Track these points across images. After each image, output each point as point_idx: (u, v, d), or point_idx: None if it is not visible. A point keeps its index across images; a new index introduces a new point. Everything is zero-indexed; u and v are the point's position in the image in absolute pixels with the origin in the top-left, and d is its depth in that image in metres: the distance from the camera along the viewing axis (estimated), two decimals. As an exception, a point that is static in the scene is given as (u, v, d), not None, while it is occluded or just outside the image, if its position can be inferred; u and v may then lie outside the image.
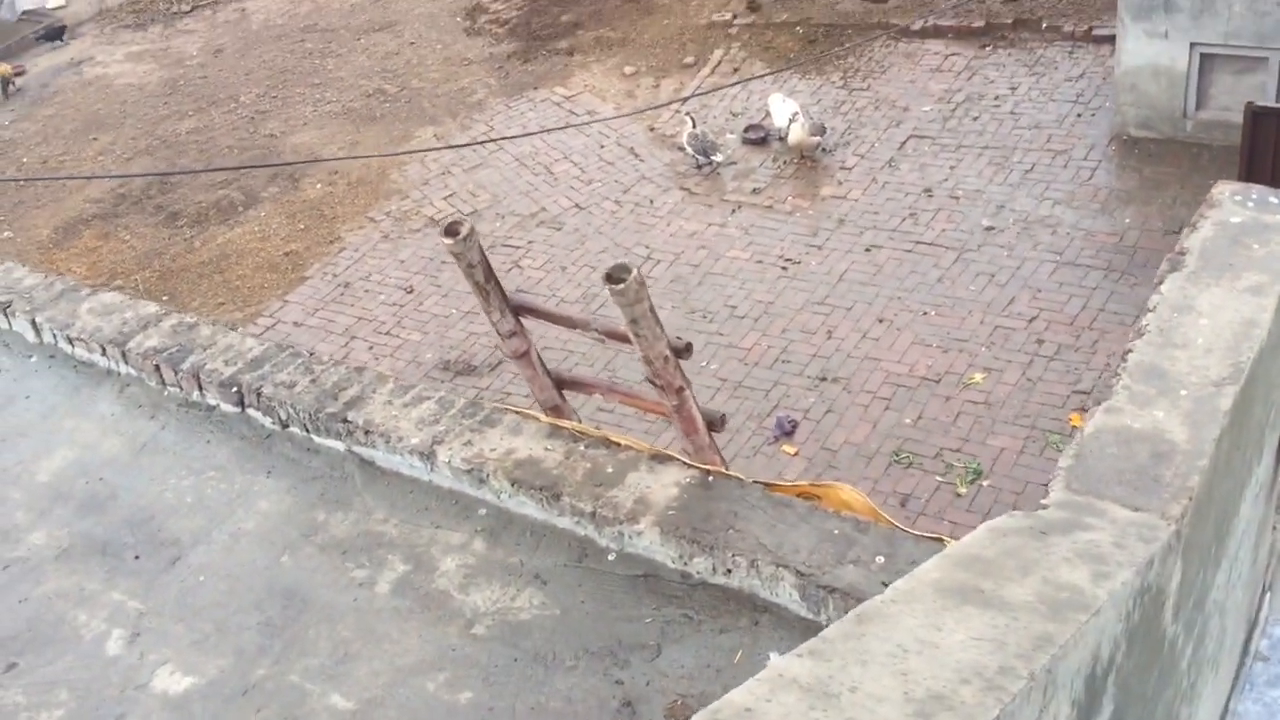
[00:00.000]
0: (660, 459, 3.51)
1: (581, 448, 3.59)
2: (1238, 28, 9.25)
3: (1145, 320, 3.26)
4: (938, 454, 7.64)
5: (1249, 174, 6.42)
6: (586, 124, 11.68)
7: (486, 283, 3.54)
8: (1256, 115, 6.40)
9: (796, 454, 7.79)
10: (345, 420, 3.80)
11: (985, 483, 7.34)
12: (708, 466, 3.46)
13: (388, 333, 9.51)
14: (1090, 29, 11.70)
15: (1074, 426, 7.63)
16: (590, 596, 3.31)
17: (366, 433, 3.76)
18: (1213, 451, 2.80)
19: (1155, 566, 2.51)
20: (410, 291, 9.93)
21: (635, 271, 3.10)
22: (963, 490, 7.30)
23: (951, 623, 1.99)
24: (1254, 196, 3.50)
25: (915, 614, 2.02)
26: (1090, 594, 2.24)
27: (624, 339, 3.36)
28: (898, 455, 7.65)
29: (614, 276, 3.07)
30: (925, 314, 8.88)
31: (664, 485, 3.43)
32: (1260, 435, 3.42)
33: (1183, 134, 9.89)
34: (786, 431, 7.96)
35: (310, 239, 10.74)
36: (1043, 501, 2.72)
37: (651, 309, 3.20)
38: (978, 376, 8.18)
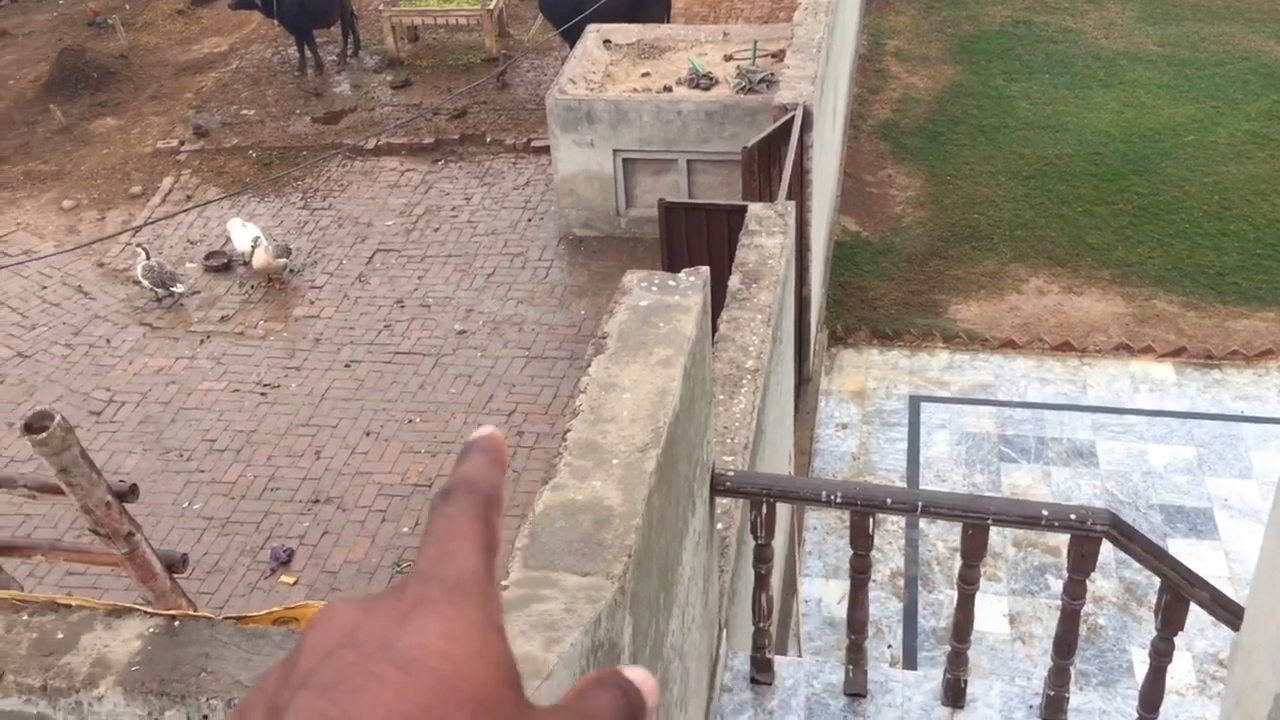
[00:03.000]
0: (118, 613, 3.26)
1: (25, 617, 3.25)
2: (649, 135, 10.46)
3: (579, 401, 3.57)
4: (438, 557, 7.74)
5: (670, 260, 7.23)
6: (22, 264, 10.68)
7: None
8: (667, 209, 7.25)
9: (296, 582, 7.54)
10: None
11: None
12: (172, 611, 3.28)
13: None
14: (529, 141, 12.66)
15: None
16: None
17: None
18: (644, 510, 3.11)
19: (604, 623, 2.73)
20: None
21: (58, 418, 2.90)
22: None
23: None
24: (656, 281, 3.97)
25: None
26: (542, 660, 2.40)
27: (57, 491, 3.12)
28: (399, 565, 7.65)
29: (34, 426, 2.85)
30: (410, 421, 9.02)
31: (124, 641, 3.19)
32: (690, 490, 3.85)
33: (619, 230, 10.95)
34: (283, 561, 7.68)
35: None
36: (503, 583, 2.87)
37: (83, 453, 3.01)
38: (467, 475, 8.41)
